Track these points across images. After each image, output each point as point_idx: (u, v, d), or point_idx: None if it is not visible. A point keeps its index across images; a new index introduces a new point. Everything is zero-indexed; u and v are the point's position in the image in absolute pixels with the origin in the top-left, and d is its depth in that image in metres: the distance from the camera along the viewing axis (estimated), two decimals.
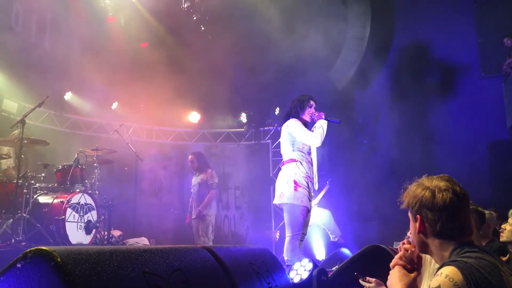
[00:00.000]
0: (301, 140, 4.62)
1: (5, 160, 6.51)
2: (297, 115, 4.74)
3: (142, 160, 7.54)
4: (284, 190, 4.49)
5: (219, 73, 9.06)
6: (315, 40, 8.97)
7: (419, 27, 9.92)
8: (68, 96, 8.53)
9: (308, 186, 4.56)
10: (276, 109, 9.91)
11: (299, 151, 4.63)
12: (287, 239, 4.50)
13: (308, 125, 4.79)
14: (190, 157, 7.95)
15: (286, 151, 4.68)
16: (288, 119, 4.75)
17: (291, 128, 4.62)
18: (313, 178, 4.68)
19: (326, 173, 8.56)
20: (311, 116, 4.78)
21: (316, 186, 4.76)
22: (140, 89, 8.94)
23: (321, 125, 4.66)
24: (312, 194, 4.72)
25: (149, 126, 9.92)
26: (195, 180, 7.81)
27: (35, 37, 8.07)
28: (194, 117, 10.13)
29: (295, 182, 4.46)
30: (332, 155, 9.92)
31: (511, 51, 9.05)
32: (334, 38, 9.52)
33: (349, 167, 9.36)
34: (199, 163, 7.80)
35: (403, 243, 2.06)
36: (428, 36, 9.81)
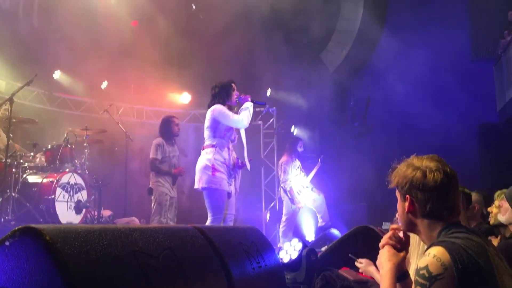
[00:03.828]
0: (229, 124, 4.65)
1: None
2: (224, 102, 4.74)
3: (132, 140, 7.48)
4: (202, 175, 4.54)
5: (210, 54, 8.97)
6: (308, 21, 8.92)
7: (412, 10, 9.90)
8: (57, 74, 8.41)
9: (226, 172, 4.61)
10: (268, 90, 9.86)
11: (220, 137, 4.66)
12: (208, 221, 4.57)
13: (233, 109, 4.83)
14: (177, 121, 6.88)
15: (207, 136, 4.72)
16: (213, 105, 4.75)
17: (217, 114, 4.63)
18: (230, 165, 4.71)
19: (317, 155, 8.59)
20: (236, 100, 4.82)
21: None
22: (130, 68, 8.84)
23: (248, 107, 4.73)
24: (232, 179, 4.75)
25: (140, 106, 9.84)
26: (173, 150, 6.69)
27: (23, 14, 7.92)
28: (185, 98, 10.05)
29: (213, 167, 4.52)
30: (323, 137, 9.96)
31: (510, 26, 8.99)
32: (327, 19, 9.47)
33: (339, 149, 9.40)
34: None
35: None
36: (420, 18, 9.79)
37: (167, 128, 6.69)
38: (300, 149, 7.70)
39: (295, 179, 7.46)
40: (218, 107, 4.66)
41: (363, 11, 9.63)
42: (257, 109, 10.00)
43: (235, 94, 4.81)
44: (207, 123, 4.72)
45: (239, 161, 4.82)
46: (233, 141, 4.84)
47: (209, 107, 4.77)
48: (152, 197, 6.46)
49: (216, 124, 4.65)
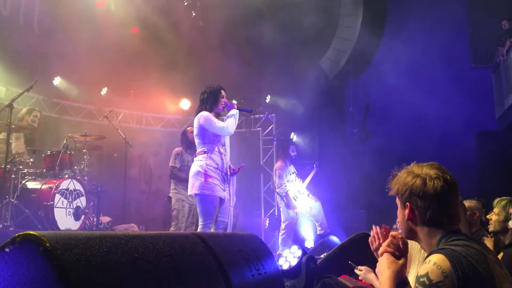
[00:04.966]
0: (215, 131, 4.68)
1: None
2: (211, 109, 4.75)
3: (131, 146, 7.48)
4: (195, 181, 4.58)
5: (210, 60, 8.99)
6: (307, 28, 8.95)
7: (411, 17, 9.94)
8: (57, 81, 8.43)
9: (219, 178, 4.64)
10: (267, 97, 9.88)
11: (210, 143, 4.70)
12: (199, 227, 4.59)
13: (220, 115, 4.86)
14: (192, 129, 7.00)
15: (198, 143, 4.76)
16: (200, 111, 4.76)
17: (203, 121, 4.67)
18: (224, 169, 4.75)
19: (315, 161, 8.59)
20: (223, 107, 4.84)
21: (228, 172, 4.83)
22: (130, 75, 8.86)
23: (234, 114, 4.77)
24: (226, 185, 4.77)
25: (139, 113, 9.86)
26: (188, 158, 6.69)
27: (24, 21, 7.94)
28: (184, 104, 10.07)
29: (205, 173, 4.56)
30: (322, 143, 9.96)
31: (505, 35, 9.03)
32: (326, 26, 9.50)
33: (338, 155, 9.40)
34: None
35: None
36: (419, 25, 9.83)
37: (185, 138, 6.87)
38: (293, 154, 7.66)
39: (290, 184, 7.43)
40: (203, 114, 4.69)
41: (362, 18, 9.68)
42: (257, 116, 10.03)
43: (223, 101, 4.82)
44: (195, 131, 4.77)
45: (231, 167, 4.85)
46: (224, 145, 4.86)
47: (197, 112, 4.80)
48: (172, 205, 6.66)
49: (203, 131, 4.69)
